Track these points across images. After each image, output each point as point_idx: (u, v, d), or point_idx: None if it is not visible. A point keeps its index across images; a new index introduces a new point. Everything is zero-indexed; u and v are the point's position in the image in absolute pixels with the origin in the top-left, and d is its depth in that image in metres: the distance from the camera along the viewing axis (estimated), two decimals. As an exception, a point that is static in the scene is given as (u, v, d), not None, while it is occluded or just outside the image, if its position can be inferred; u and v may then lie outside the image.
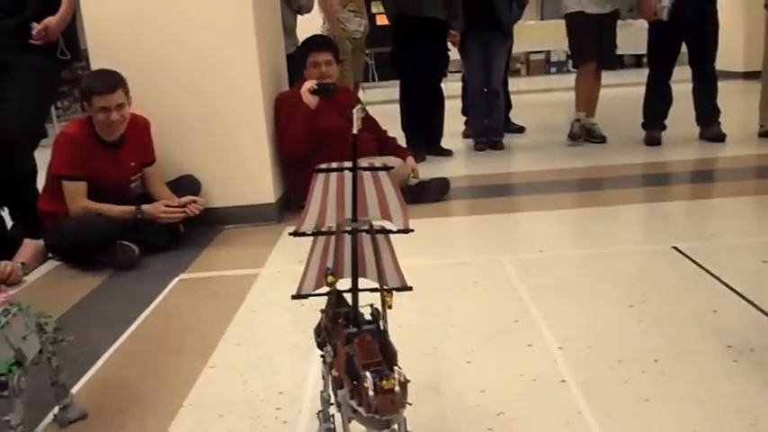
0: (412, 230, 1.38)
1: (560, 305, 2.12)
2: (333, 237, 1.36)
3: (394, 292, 1.34)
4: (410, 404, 1.09)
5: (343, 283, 1.37)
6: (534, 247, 2.76)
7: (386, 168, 1.34)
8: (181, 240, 3.05)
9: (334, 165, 1.32)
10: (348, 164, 1.30)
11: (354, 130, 1.28)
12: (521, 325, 2.00)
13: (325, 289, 1.35)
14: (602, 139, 4.95)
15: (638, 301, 2.10)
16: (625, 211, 3.29)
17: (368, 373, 1.08)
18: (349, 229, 1.33)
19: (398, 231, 1.38)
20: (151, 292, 2.49)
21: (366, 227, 1.34)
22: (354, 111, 3.45)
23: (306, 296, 1.42)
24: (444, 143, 5.01)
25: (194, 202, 3.03)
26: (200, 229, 3.20)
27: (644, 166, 4.24)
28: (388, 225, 1.37)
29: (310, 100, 3.44)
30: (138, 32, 3.19)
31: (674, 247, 2.56)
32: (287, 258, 2.80)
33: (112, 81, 2.86)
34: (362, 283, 1.35)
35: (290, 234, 1.39)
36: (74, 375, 1.80)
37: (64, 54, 3.26)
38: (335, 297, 1.37)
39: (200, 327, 2.19)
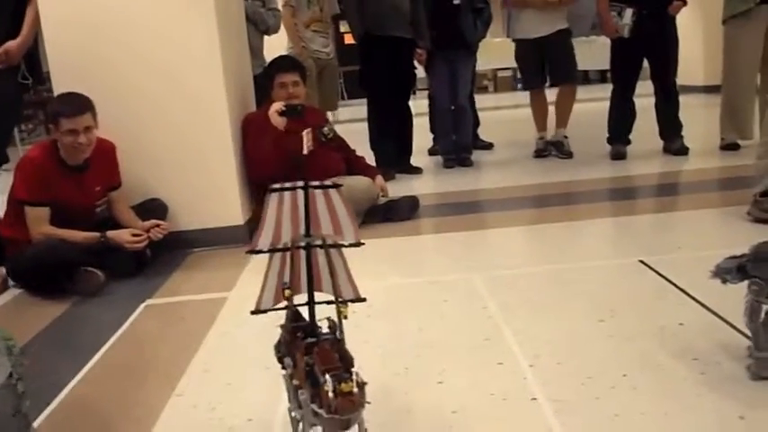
0: (363, 244, 1.48)
1: (530, 322, 2.13)
2: (288, 253, 1.43)
3: (349, 304, 1.41)
4: (369, 403, 1.14)
5: (300, 298, 1.43)
6: (504, 263, 2.77)
7: (335, 186, 1.43)
8: (147, 265, 3.00)
9: (287, 184, 1.40)
10: (299, 183, 1.39)
11: (305, 151, 1.39)
12: (491, 343, 1.99)
13: (284, 303, 1.41)
14: (570, 155, 5.02)
15: (607, 315, 2.12)
16: (592, 225, 3.32)
17: (327, 377, 1.15)
18: (303, 244, 1.41)
19: (350, 245, 1.46)
20: (117, 319, 2.44)
21: (319, 242, 1.42)
22: (324, 131, 3.46)
23: (265, 311, 1.48)
24: (413, 161, 5.03)
25: (158, 226, 2.98)
26: (168, 252, 3.16)
27: (610, 180, 4.30)
28: (339, 239, 1.45)
29: (278, 121, 3.43)
30: (102, 54, 3.16)
31: (641, 261, 2.59)
32: (256, 281, 2.72)
33: (81, 104, 2.83)
34: (318, 296, 1.42)
35: (247, 252, 1.45)
36: (37, 407, 1.74)
37: (25, 78, 3.22)
38: (293, 313, 1.43)
39: (168, 353, 2.15)
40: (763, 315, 1.65)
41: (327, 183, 1.44)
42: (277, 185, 1.41)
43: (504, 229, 3.38)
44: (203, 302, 2.58)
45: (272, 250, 1.44)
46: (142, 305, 2.58)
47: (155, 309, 2.57)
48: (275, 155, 3.29)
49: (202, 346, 2.13)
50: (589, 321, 2.09)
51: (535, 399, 1.65)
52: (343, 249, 1.47)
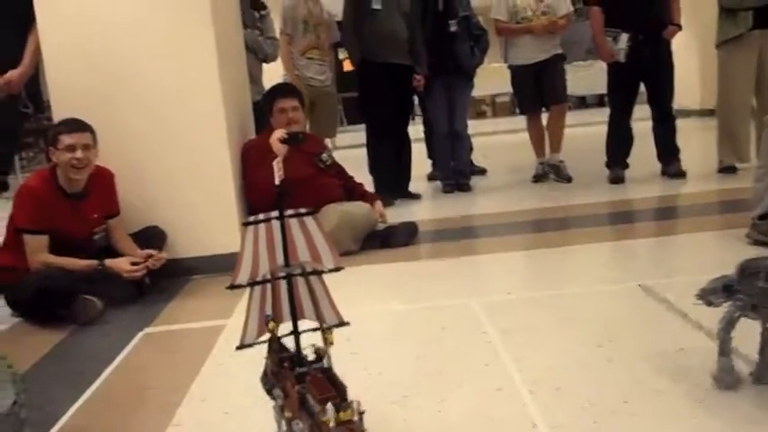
0: (342, 268, 1.47)
1: (530, 347, 2.12)
2: (269, 284, 1.43)
3: (341, 331, 1.42)
4: (367, 430, 1.15)
5: (284, 327, 1.43)
6: (503, 289, 2.76)
7: (310, 213, 1.44)
8: (146, 293, 2.99)
9: (261, 216, 1.40)
10: (274, 213, 1.39)
11: (277, 181, 1.42)
12: (491, 369, 1.98)
13: (268, 336, 1.42)
14: (569, 180, 5.04)
15: (606, 340, 2.11)
16: (591, 250, 3.32)
17: (329, 405, 1.14)
18: (283, 274, 1.41)
19: (330, 271, 1.46)
20: (114, 347, 2.42)
21: (299, 270, 1.42)
22: (323, 157, 3.49)
23: (250, 345, 1.47)
24: (412, 186, 5.04)
25: (152, 256, 2.98)
26: (167, 280, 3.15)
27: (608, 204, 4.31)
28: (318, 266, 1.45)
29: (280, 149, 3.45)
30: (102, 84, 3.19)
31: (640, 285, 2.59)
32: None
33: (82, 123, 2.88)
34: (303, 324, 1.42)
35: (227, 288, 1.44)
36: (32, 439, 1.73)
37: (26, 107, 3.25)
38: (277, 344, 1.43)
39: (165, 383, 2.13)
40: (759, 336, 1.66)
41: (302, 210, 1.44)
42: (251, 218, 1.41)
43: (503, 255, 3.38)
44: (201, 330, 2.57)
45: (252, 283, 1.43)
46: (140, 333, 2.57)
47: (153, 337, 2.56)
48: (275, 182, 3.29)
49: (200, 375, 2.12)
50: (588, 346, 2.08)
51: (535, 425, 1.63)
52: (337, 274, 1.46)
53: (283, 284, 1.42)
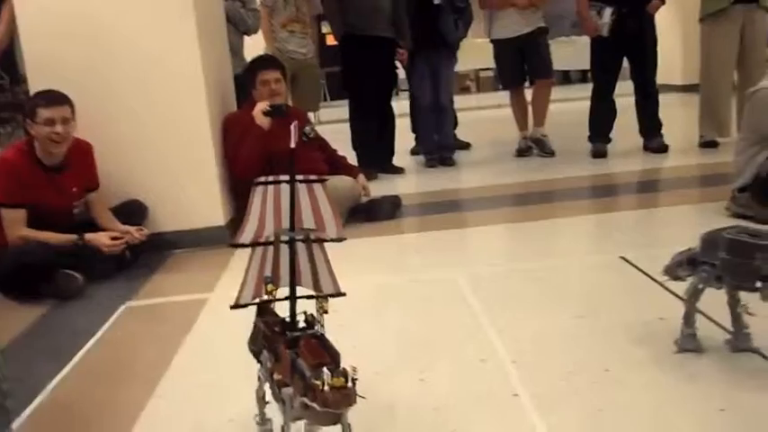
0: (345, 239, 1.48)
1: (513, 319, 2.13)
2: (270, 247, 1.42)
3: (331, 301, 1.41)
4: (364, 398, 1.15)
5: (280, 292, 1.41)
6: (486, 261, 2.77)
7: (320, 180, 1.44)
8: (127, 267, 2.96)
9: (272, 178, 1.39)
10: (285, 177, 1.38)
11: (292, 144, 1.39)
12: (474, 340, 1.99)
13: (265, 297, 1.40)
14: (552, 154, 5.05)
15: (589, 311, 2.13)
16: (574, 222, 3.33)
17: (324, 370, 1.15)
18: (287, 238, 1.40)
19: (332, 240, 1.46)
20: (96, 321, 2.40)
21: (302, 236, 1.41)
22: (306, 130, 3.45)
23: (245, 305, 1.46)
24: (396, 160, 5.02)
25: (132, 233, 2.95)
26: (149, 254, 3.12)
27: (591, 178, 4.32)
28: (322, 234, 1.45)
29: (263, 121, 3.41)
30: (79, 55, 3.12)
31: (622, 257, 2.60)
32: (238, 282, 2.73)
33: (60, 96, 2.83)
34: (298, 291, 1.41)
35: (229, 245, 1.48)
36: (15, 411, 1.70)
37: (1, 78, 3.17)
38: (269, 310, 1.43)
39: (148, 356, 2.12)
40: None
41: (312, 177, 1.43)
42: (262, 179, 1.41)
43: (486, 228, 3.38)
44: (184, 304, 2.56)
45: (254, 244, 1.43)
46: (122, 307, 2.55)
47: (135, 311, 2.55)
48: (259, 153, 3.27)
49: (183, 348, 2.11)
50: (571, 317, 2.09)
51: (516, 395, 1.65)
52: (326, 246, 1.46)
53: (285, 249, 1.41)
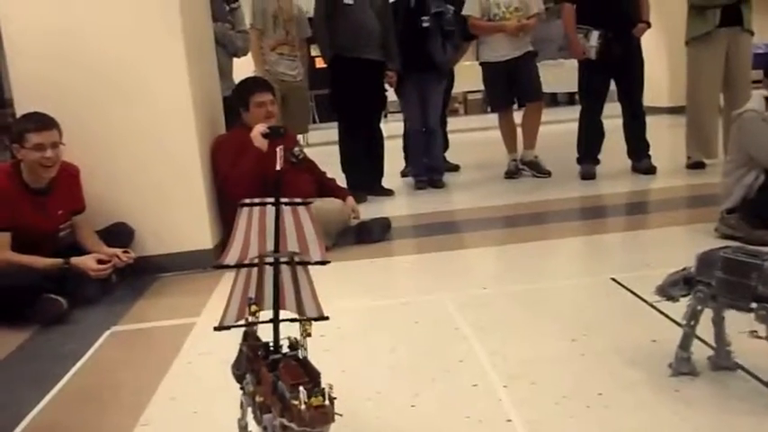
0: (328, 262, 1.49)
1: (504, 342, 2.11)
2: (254, 269, 1.44)
3: (318, 326, 1.42)
4: (340, 415, 1.15)
5: (264, 315, 1.42)
6: (476, 284, 2.75)
7: (305, 203, 1.46)
8: (113, 291, 2.92)
9: (258, 200, 1.42)
10: (270, 199, 1.41)
11: (278, 167, 1.43)
12: (465, 364, 1.97)
13: (250, 319, 1.41)
14: (548, 174, 5.06)
15: (580, 334, 2.11)
16: (563, 244, 3.33)
17: (301, 389, 1.15)
18: (271, 260, 1.42)
19: (317, 263, 1.47)
20: (80, 347, 2.36)
21: (287, 258, 1.43)
22: (294, 152, 3.45)
23: (228, 327, 1.47)
24: (385, 183, 5.01)
25: (118, 256, 2.91)
26: (135, 278, 3.08)
27: (580, 199, 4.33)
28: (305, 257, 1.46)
29: (262, 143, 3.40)
30: (66, 77, 3.10)
31: (613, 279, 2.59)
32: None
33: (48, 119, 2.81)
34: (282, 314, 1.43)
35: (214, 266, 1.45)
36: (-7, 441, 1.67)
37: (-13, 101, 3.15)
38: (252, 333, 1.43)
39: (133, 382, 2.08)
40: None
41: (297, 200, 1.45)
42: (248, 200, 1.43)
43: (476, 250, 3.37)
44: (170, 329, 2.52)
45: (239, 265, 1.44)
46: (107, 332, 2.51)
47: (120, 336, 2.50)
48: (256, 175, 3.24)
49: (168, 374, 2.07)
50: (562, 340, 2.08)
51: (510, 420, 1.62)
52: (312, 269, 1.46)
53: (269, 270, 1.42)
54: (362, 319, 2.45)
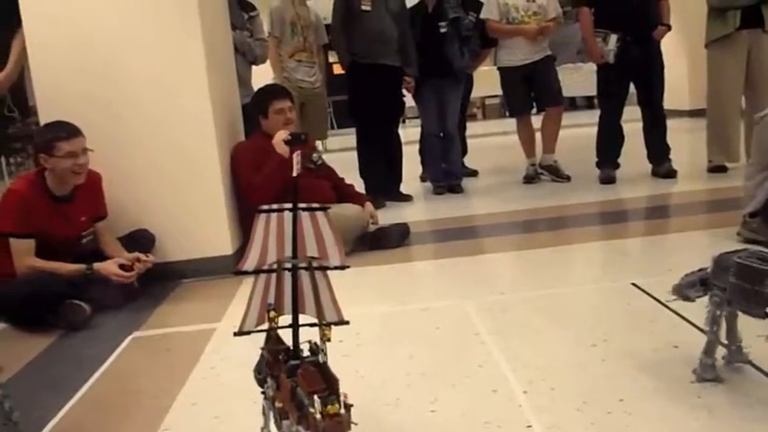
0: (348, 267, 1.48)
1: (524, 347, 2.10)
2: (273, 275, 1.44)
3: (337, 330, 1.42)
4: (356, 424, 1.15)
5: (284, 320, 1.43)
6: (496, 289, 2.74)
7: (323, 208, 1.46)
8: (135, 297, 2.95)
9: (275, 206, 1.43)
10: (287, 205, 1.42)
11: (294, 173, 1.42)
12: (485, 370, 1.96)
13: (267, 325, 1.42)
14: (567, 179, 5.04)
15: (600, 339, 2.09)
16: (583, 249, 3.31)
17: (316, 398, 1.17)
18: (289, 266, 1.42)
19: (335, 268, 1.47)
20: (103, 352, 2.39)
21: (305, 264, 1.43)
22: (313, 158, 3.47)
23: (248, 332, 1.47)
24: (403, 188, 5.02)
25: (140, 260, 2.93)
26: (156, 284, 3.11)
27: (600, 204, 4.30)
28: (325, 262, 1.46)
29: (285, 150, 3.42)
30: (89, 86, 3.14)
31: (633, 284, 2.57)
32: (245, 311, 2.72)
33: (75, 127, 2.85)
34: (302, 319, 1.43)
35: (233, 273, 1.47)
36: (19, 445, 1.69)
37: (11, 111, 3.20)
38: (275, 336, 1.43)
39: (154, 387, 2.10)
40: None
41: (315, 205, 1.45)
42: (266, 207, 1.44)
43: (496, 255, 3.37)
44: (191, 334, 2.54)
45: (257, 271, 1.45)
46: (129, 338, 2.53)
47: (142, 341, 2.53)
48: (280, 181, 3.26)
49: (190, 380, 2.09)
50: (582, 346, 2.06)
51: (530, 426, 1.62)
52: (332, 275, 1.47)
53: (288, 276, 1.43)
54: (381, 325, 2.45)
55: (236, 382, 2.03)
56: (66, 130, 2.83)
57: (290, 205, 1.41)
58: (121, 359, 2.36)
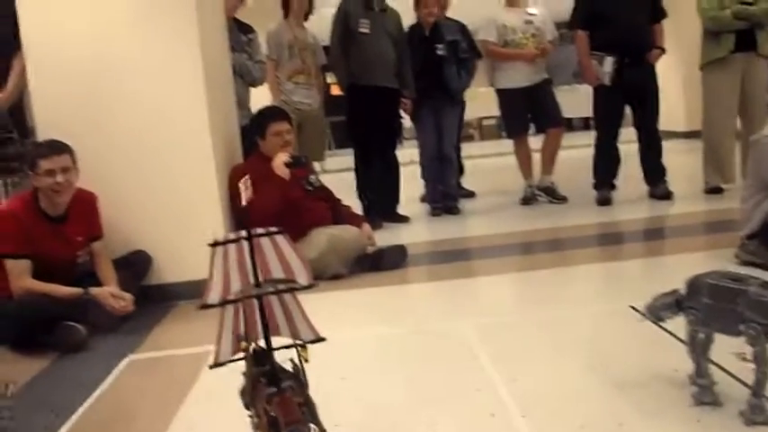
0: (316, 285, 1.47)
1: (522, 371, 2.09)
2: (241, 303, 1.43)
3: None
4: None
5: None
6: (494, 311, 2.74)
7: (279, 232, 1.44)
8: (131, 319, 2.93)
9: (230, 236, 1.42)
10: (242, 233, 1.42)
11: (243, 202, 1.44)
12: (483, 393, 1.95)
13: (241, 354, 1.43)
14: (564, 200, 5.05)
15: (599, 363, 2.09)
16: (581, 271, 3.31)
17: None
18: (255, 293, 1.41)
19: (303, 288, 1.45)
20: (98, 375, 2.37)
21: (271, 289, 1.42)
22: (311, 179, 3.48)
23: (223, 364, 1.48)
24: (401, 209, 5.02)
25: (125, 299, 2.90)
26: (152, 305, 3.10)
27: (597, 226, 4.31)
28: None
29: (285, 172, 3.44)
30: (87, 107, 3.16)
31: (632, 306, 2.57)
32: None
33: (59, 145, 2.84)
34: (279, 341, 1.44)
35: (197, 308, 1.43)
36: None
37: (10, 131, 3.21)
38: (256, 358, 1.43)
39: (150, 411, 2.08)
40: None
41: (272, 229, 1.44)
42: (219, 239, 1.42)
43: (494, 277, 3.36)
44: (187, 357, 2.52)
45: (223, 303, 1.42)
46: (125, 360, 2.52)
47: (138, 364, 2.51)
48: (279, 202, 3.28)
49: (186, 402, 2.07)
50: (581, 369, 2.05)
51: (529, 451, 1.60)
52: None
53: (255, 304, 1.42)
54: (379, 348, 2.44)
55: (233, 406, 2.00)
56: (48, 148, 2.82)
57: (244, 233, 1.41)
58: (117, 382, 2.34)
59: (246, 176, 1.48)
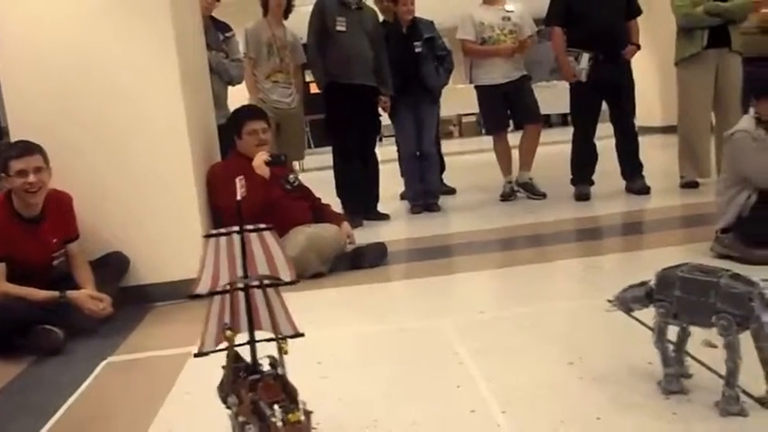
0: (298, 281, 1.58)
1: (501, 367, 2.10)
2: (227, 295, 1.51)
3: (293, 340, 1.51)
4: (315, 429, 1.26)
5: (241, 338, 1.52)
6: (474, 308, 2.75)
7: (269, 228, 1.53)
8: (108, 321, 2.90)
9: (223, 230, 1.50)
10: (235, 228, 1.50)
11: (238, 197, 1.50)
12: (463, 390, 1.96)
13: (226, 344, 1.49)
14: (543, 196, 5.08)
15: (577, 357, 2.10)
16: (560, 266, 3.33)
17: (276, 407, 1.25)
18: (242, 285, 1.50)
19: (286, 283, 1.55)
20: (76, 378, 2.35)
21: (257, 282, 1.50)
22: (289, 179, 3.49)
23: (207, 353, 1.55)
24: (381, 207, 5.02)
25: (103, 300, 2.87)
26: (130, 307, 3.07)
27: (575, 221, 4.34)
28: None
29: (265, 171, 3.43)
30: (61, 106, 3.12)
31: (609, 301, 2.59)
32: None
33: (29, 145, 2.82)
34: (259, 335, 1.52)
35: (187, 297, 1.56)
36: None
37: (-18, 132, 3.16)
38: (234, 355, 1.50)
39: (129, 413, 2.07)
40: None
41: (261, 225, 1.52)
42: (213, 231, 1.51)
43: (473, 274, 3.37)
44: (166, 359, 2.50)
45: (212, 293, 1.50)
46: (102, 363, 2.49)
47: (116, 366, 2.49)
48: (260, 201, 3.25)
49: (165, 405, 2.06)
50: (560, 364, 2.07)
51: (508, 446, 1.62)
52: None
53: (242, 295, 1.50)
54: (359, 346, 2.44)
55: (212, 407, 1.99)
56: (18, 149, 2.79)
57: (237, 228, 1.49)
58: (96, 384, 2.32)
59: (241, 177, 1.55)
